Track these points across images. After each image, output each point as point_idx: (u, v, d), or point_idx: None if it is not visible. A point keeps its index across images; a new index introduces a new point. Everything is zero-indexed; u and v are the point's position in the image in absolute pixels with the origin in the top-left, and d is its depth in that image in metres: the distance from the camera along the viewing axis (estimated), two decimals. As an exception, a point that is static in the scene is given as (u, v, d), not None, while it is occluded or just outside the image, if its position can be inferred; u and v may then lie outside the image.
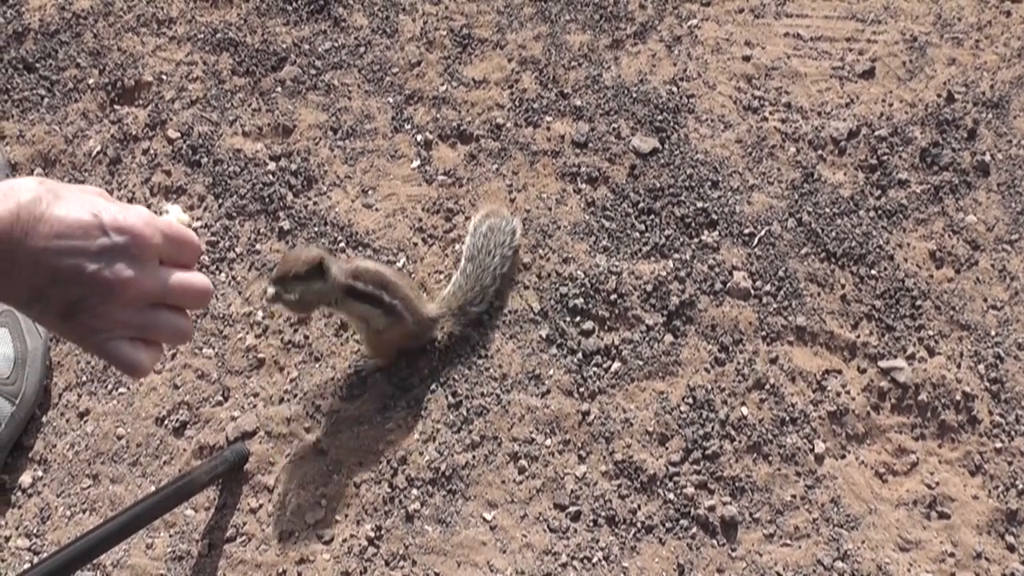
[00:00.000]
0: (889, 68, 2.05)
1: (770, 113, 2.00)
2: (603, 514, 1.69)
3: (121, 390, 1.84)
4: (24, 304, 0.89)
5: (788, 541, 1.66)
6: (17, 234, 0.85)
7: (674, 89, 2.04)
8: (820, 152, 1.96)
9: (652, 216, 1.91)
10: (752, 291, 1.83)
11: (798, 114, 2.00)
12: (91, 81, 2.10)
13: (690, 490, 1.70)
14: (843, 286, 1.83)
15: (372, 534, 1.70)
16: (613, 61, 2.08)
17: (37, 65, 2.12)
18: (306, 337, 1.84)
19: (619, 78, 2.05)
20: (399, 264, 1.89)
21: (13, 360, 1.80)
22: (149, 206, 1.97)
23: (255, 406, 1.80)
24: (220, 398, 1.82)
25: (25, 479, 1.80)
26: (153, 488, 1.76)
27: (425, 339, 1.80)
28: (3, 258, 0.85)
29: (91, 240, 0.87)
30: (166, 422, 1.81)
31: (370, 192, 1.96)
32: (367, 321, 1.70)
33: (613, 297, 1.83)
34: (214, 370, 1.84)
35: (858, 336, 1.79)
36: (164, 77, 2.10)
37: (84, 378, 1.86)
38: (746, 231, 1.88)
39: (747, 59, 2.07)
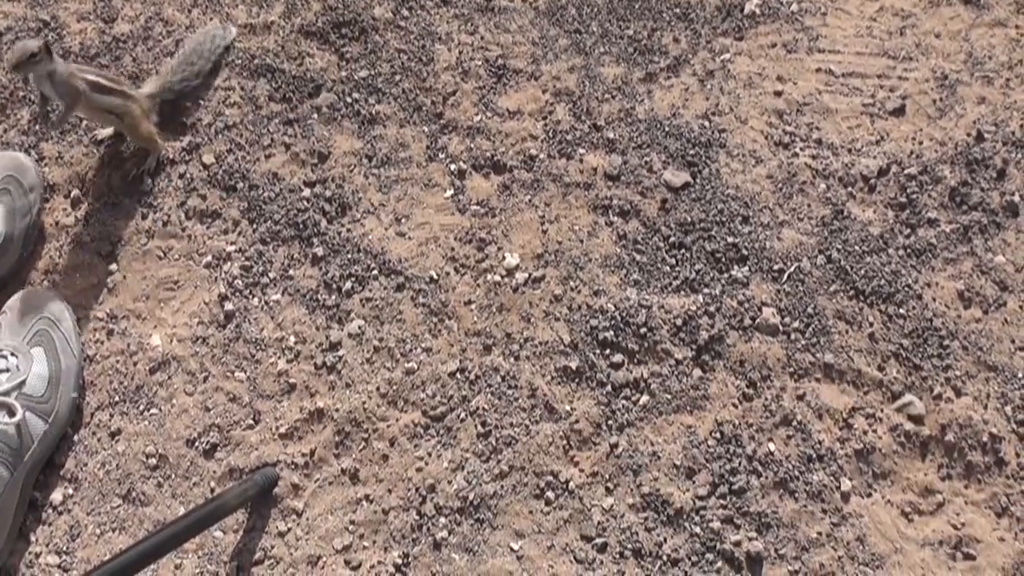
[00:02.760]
0: (919, 106, 2.06)
1: (801, 149, 2.02)
2: (629, 546, 1.70)
3: (153, 411, 1.86)
4: None
5: (813, 579, 1.67)
6: None
7: (706, 123, 2.05)
8: (850, 189, 1.97)
9: (683, 250, 1.92)
10: (781, 327, 1.85)
11: (828, 151, 2.02)
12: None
13: (716, 524, 1.71)
14: (871, 324, 1.84)
15: (399, 561, 1.71)
16: (646, 94, 2.10)
17: (77, 88, 2.15)
18: (339, 358, 1.86)
19: (652, 111, 2.07)
20: (430, 292, 1.91)
21: (47, 379, 1.82)
22: (183, 227, 1.99)
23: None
24: (251, 421, 1.84)
25: (56, 496, 1.82)
26: (182, 509, 1.78)
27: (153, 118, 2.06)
28: None
29: None
30: (197, 444, 1.83)
31: (403, 220, 1.99)
32: (114, 111, 1.95)
33: (643, 331, 1.84)
34: (245, 393, 1.86)
35: (885, 374, 1.80)
36: (201, 102, 2.13)
37: (116, 398, 1.88)
38: (776, 267, 1.90)
39: (779, 94, 2.08)
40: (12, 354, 1.82)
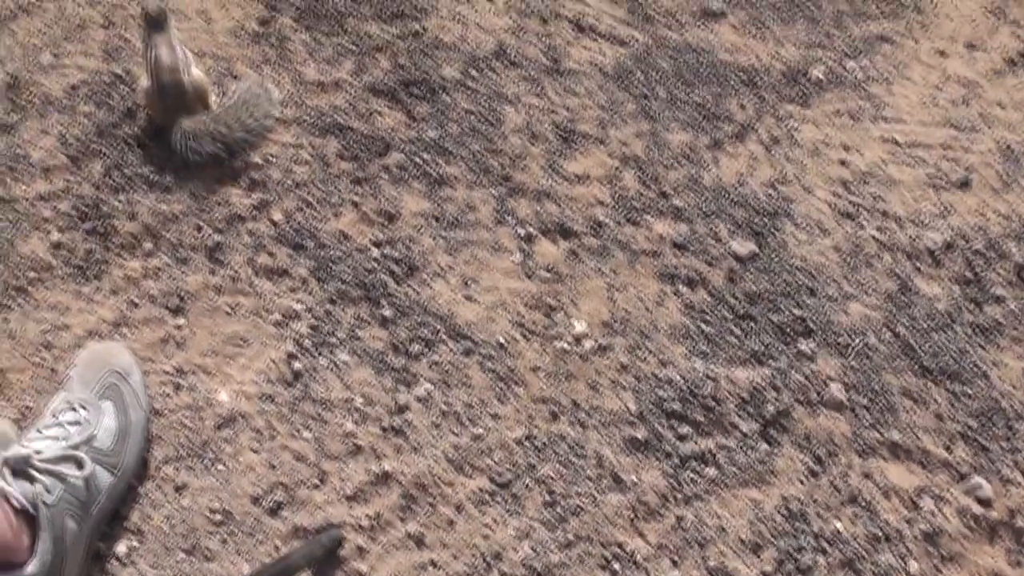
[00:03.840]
0: (984, 178, 2.07)
1: (866, 220, 2.03)
2: (695, 621, 1.71)
3: (219, 466, 1.88)
4: None
5: (880, 661, 1.67)
6: None
7: (772, 192, 2.06)
8: (916, 263, 1.98)
9: (749, 322, 1.93)
10: (847, 403, 1.85)
11: (894, 222, 2.02)
12: (199, 160, 2.15)
13: (781, 602, 1.71)
14: (938, 403, 1.85)
15: (464, 628, 1.72)
16: (713, 161, 2.11)
17: (149, 143, 2.18)
18: (406, 421, 1.87)
19: (719, 179, 2.09)
20: (498, 358, 1.92)
21: (116, 433, 1.84)
22: (252, 284, 2.01)
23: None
24: (317, 481, 1.85)
25: (120, 548, 1.83)
26: (246, 566, 1.79)
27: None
28: None
29: None
30: (262, 502, 1.84)
31: (471, 284, 2.00)
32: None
33: (710, 402, 1.85)
34: (312, 453, 1.87)
35: (952, 455, 1.80)
36: (271, 159, 2.15)
37: (183, 452, 1.90)
38: (842, 341, 1.90)
39: (844, 163, 2.09)
40: (83, 407, 1.84)
